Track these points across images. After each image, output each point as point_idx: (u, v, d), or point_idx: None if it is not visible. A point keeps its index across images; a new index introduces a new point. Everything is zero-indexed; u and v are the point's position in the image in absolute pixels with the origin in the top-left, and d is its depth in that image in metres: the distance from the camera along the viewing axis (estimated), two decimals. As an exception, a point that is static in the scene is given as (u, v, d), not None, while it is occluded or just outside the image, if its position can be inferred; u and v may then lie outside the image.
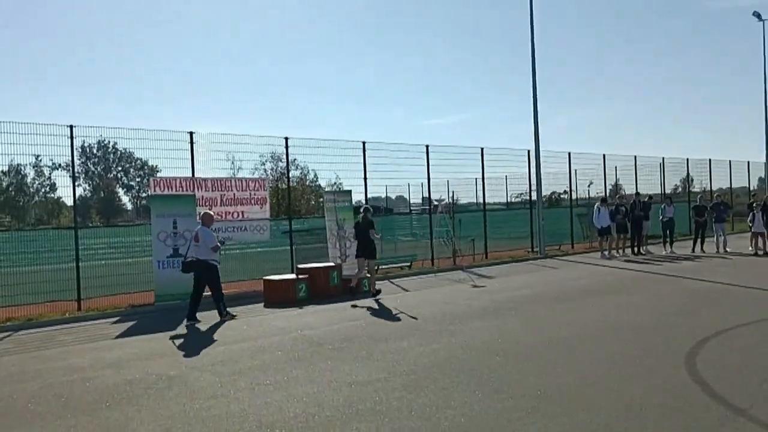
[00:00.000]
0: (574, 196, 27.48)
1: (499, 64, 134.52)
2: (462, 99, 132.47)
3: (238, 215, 14.93)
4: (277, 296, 12.88)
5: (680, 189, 33.61)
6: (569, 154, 24.92)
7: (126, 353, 8.57)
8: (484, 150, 21.43)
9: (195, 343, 9.14)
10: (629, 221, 19.71)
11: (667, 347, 7.56)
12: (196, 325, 10.62)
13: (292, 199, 21.94)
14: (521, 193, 30.76)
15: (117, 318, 11.81)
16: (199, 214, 12.58)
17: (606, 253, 19.62)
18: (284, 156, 16.91)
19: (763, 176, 38.17)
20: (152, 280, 13.15)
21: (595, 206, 19.82)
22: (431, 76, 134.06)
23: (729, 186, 32.31)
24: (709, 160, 31.55)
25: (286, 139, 16.39)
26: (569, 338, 8.28)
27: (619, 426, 5.03)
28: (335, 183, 24.46)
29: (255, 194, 15.36)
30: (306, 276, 13.33)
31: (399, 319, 10.33)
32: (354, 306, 11.98)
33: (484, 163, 21.41)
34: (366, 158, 17.95)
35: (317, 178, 31.27)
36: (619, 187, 27.22)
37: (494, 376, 6.56)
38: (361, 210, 14.29)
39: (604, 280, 14.39)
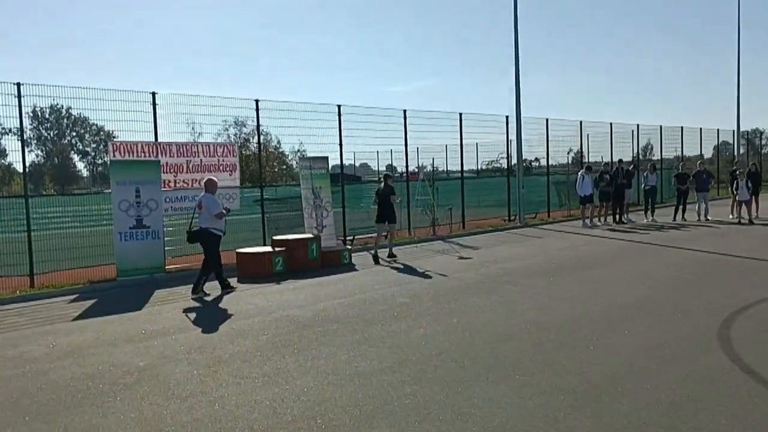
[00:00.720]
0: (550, 164, 26.93)
1: (462, 29, 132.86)
2: (424, 66, 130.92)
3: (207, 183, 13.80)
4: (252, 270, 11.92)
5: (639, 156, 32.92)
6: (547, 120, 24.21)
7: (87, 338, 7.56)
8: (462, 115, 20.59)
9: (166, 325, 8.17)
10: (612, 189, 19.18)
11: (694, 328, 6.93)
12: (169, 305, 9.62)
13: (257, 165, 20.83)
14: (492, 161, 30.17)
15: (75, 296, 10.70)
16: (202, 180, 11.51)
17: (588, 221, 19.12)
18: (249, 121, 15.89)
19: (716, 144, 37.48)
20: (113, 253, 12.03)
21: (579, 174, 19.23)
22: (393, 43, 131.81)
23: (680, 153, 31.50)
24: (681, 128, 31.34)
25: (257, 101, 15.23)
26: (583, 318, 7.59)
27: (671, 421, 4.32)
28: (299, 150, 23.41)
29: (224, 160, 14.25)
30: (283, 249, 12.37)
31: (389, 297, 9.50)
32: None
33: (463, 129, 20.59)
34: (341, 123, 16.94)
35: (280, 144, 29.96)
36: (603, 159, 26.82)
37: (514, 366, 5.80)
38: (382, 177, 14.82)
39: (596, 250, 13.81)
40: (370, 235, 17.14)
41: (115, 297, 10.48)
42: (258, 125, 15.70)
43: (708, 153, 34.89)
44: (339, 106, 16.80)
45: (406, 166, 19.34)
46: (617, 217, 19.57)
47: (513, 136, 21.84)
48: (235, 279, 11.77)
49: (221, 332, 7.63)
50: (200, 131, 19.00)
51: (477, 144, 24.15)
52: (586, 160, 24.22)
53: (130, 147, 12.76)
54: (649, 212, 19.81)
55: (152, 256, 12.12)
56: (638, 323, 7.23)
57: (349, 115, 17.21)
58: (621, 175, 19.51)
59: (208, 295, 10.18)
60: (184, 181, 13.38)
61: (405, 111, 18.69)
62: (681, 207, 19.45)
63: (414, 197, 18.82)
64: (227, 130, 29.24)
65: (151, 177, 12.26)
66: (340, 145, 16.90)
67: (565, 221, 21.56)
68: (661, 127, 30.18)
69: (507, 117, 22.29)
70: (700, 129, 32.87)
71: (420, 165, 17.65)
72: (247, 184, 18.60)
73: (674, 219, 19.52)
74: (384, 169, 31.40)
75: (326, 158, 15.76)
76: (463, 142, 21.06)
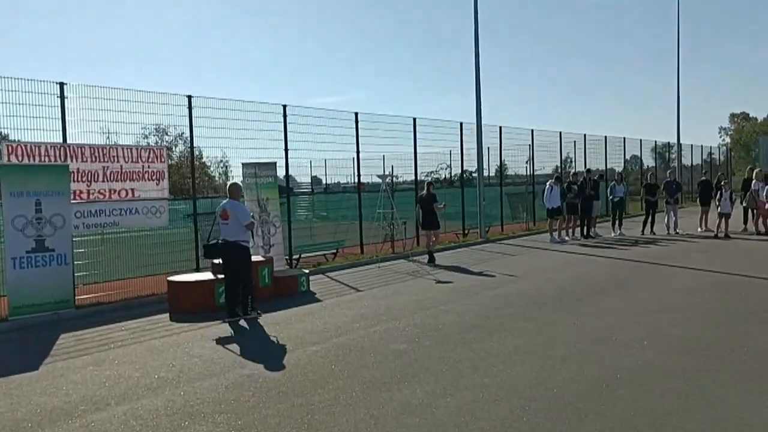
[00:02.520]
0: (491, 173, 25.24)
1: (394, 40, 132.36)
2: (356, 77, 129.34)
3: (127, 194, 11.25)
4: (189, 304, 9.50)
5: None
6: (500, 128, 22.75)
7: (-51, 427, 5.04)
8: (417, 121, 18.71)
9: (71, 398, 5.71)
10: (580, 201, 17.79)
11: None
12: (78, 360, 7.11)
13: (180, 176, 18.17)
14: (432, 171, 28.43)
15: (-53, 346, 7.97)
16: (226, 186, 10.10)
17: (556, 235, 17.63)
18: (171, 128, 13.48)
19: (637, 154, 36.38)
20: (3, 285, 9.32)
21: (547, 184, 17.73)
22: (321, 55, 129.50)
23: (605, 163, 30.18)
24: (624, 138, 30.71)
25: (189, 97, 12.78)
26: (648, 373, 5.73)
27: None
28: (222, 160, 20.78)
29: (149, 167, 11.70)
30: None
31: (377, 341, 7.37)
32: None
33: (417, 135, 18.67)
34: (287, 125, 14.70)
35: (202, 155, 26.89)
36: (568, 165, 25.47)
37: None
38: (425, 184, 15.07)
39: (589, 271, 12.16)
40: (318, 254, 14.93)
41: (3, 347, 7.83)
42: (191, 125, 13.17)
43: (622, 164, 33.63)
44: (284, 106, 14.56)
45: (358, 175, 17.26)
46: (584, 230, 18.19)
47: (469, 144, 20.27)
48: (167, 315, 9.34)
49: (156, 406, 5.28)
50: (115, 140, 16.22)
51: (415, 153, 22.21)
52: (546, 170, 22.87)
53: (30, 149, 10.06)
54: (616, 225, 18.55)
55: (57, 287, 9.49)
56: (703, 373, 5.44)
57: (295, 116, 15.01)
58: (589, 185, 18.17)
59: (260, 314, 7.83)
60: (100, 192, 10.80)
61: (356, 114, 16.67)
62: (650, 220, 18.29)
63: (373, 209, 16.82)
64: (146, 138, 26.06)
65: (58, 186, 9.65)
66: (286, 150, 14.60)
67: (527, 235, 20.06)
68: (585, 135, 28.52)
69: (461, 123, 20.64)
70: (624, 139, 31.57)
71: (384, 173, 15.58)
72: (180, 195, 15.94)
73: (643, 232, 18.36)
74: (337, 179, 29.09)
75: (273, 164, 13.47)
76: (417, 150, 19.19)
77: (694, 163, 41.56)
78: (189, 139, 13.31)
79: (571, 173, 18.81)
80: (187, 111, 12.71)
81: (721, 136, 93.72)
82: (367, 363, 6.37)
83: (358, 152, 16.84)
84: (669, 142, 37.39)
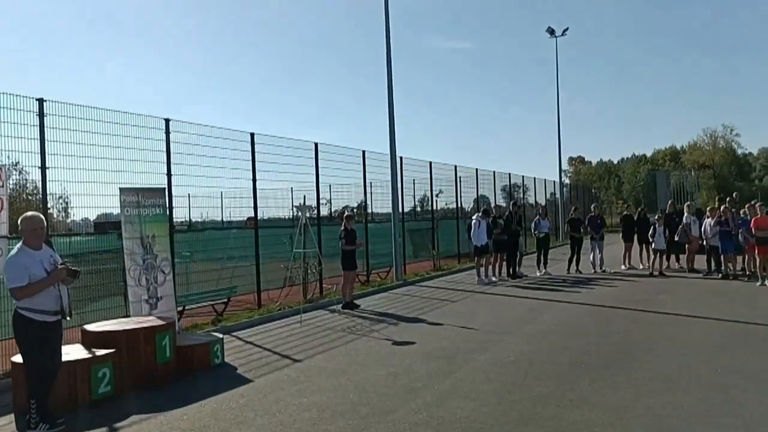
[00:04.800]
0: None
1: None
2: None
3: (-54, 230, 7.58)
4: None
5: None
6: (401, 158, 20.66)
7: None
8: (319, 146, 16.03)
9: None
10: (506, 237, 16.06)
11: None
12: None
13: (14, 210, 13.98)
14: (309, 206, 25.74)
15: None
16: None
17: (484, 277, 15.69)
18: None
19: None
20: None
21: (474, 219, 15.82)
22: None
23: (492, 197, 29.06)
24: (476, 169, 29.93)
25: (41, 101, 9.25)
26: None
27: None
28: (61, 196, 16.33)
29: (-20, 191, 8.10)
30: (110, 351, 6.66)
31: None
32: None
33: (319, 162, 15.98)
34: (170, 143, 11.45)
35: (37, 190, 21.88)
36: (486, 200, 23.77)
37: None
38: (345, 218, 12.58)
39: (566, 322, 10.12)
40: (204, 305, 11.62)
41: None
42: (42, 136, 9.50)
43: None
44: (167, 121, 11.31)
45: (255, 208, 14.22)
46: (511, 269, 16.45)
47: (377, 175, 17.99)
48: (9, 418, 5.89)
49: None
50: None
51: (292, 188, 19.37)
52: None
53: None
54: (541, 264, 17.03)
55: None
56: None
57: (180, 134, 11.77)
58: (515, 220, 16.54)
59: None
60: None
61: (252, 135, 13.70)
62: (576, 257, 16.98)
63: (269, 247, 13.92)
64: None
65: None
66: (168, 175, 11.23)
67: (440, 276, 17.99)
68: (456, 167, 27.15)
69: (363, 151, 18.26)
70: (494, 172, 30.51)
71: (305, 204, 12.67)
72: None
73: (569, 270, 16.99)
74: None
75: (162, 191, 10.22)
76: (320, 180, 16.46)
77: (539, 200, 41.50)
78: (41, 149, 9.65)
79: (493, 207, 17.09)
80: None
81: (562, 177, 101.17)
82: None
83: (254, 179, 13.78)
84: (517, 183, 35.77)
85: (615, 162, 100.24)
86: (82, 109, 9.70)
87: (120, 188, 9.44)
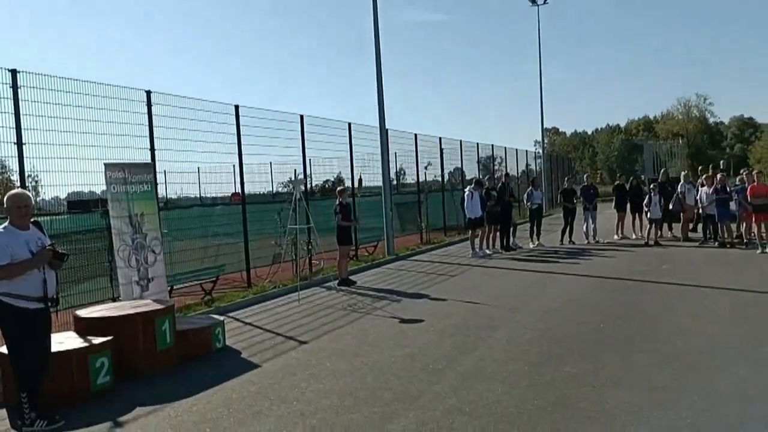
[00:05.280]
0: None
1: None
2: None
3: None
4: (48, 389, 5.58)
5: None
6: (387, 131, 20.12)
7: None
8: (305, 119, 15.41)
9: None
10: (499, 209, 15.74)
11: None
12: None
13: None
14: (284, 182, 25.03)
15: None
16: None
17: (479, 250, 15.40)
18: None
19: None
20: None
21: (467, 191, 15.46)
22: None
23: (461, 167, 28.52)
24: (460, 141, 29.43)
25: (13, 71, 8.55)
26: None
27: None
28: (31, 174, 15.17)
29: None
30: (108, 339, 6.18)
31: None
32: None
33: (305, 136, 15.34)
34: (152, 117, 10.79)
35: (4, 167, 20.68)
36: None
37: None
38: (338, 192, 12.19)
39: (572, 295, 9.87)
40: (192, 284, 11.09)
41: None
42: (17, 110, 8.80)
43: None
44: (148, 92, 10.64)
45: (242, 182, 13.67)
46: (505, 242, 16.18)
47: (363, 147, 17.46)
48: (3, 411, 5.43)
49: None
50: None
51: (271, 162, 18.64)
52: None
53: None
54: (534, 235, 16.78)
55: None
56: None
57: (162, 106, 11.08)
58: (508, 191, 16.23)
59: None
60: None
61: (237, 107, 13.05)
62: (569, 228, 16.76)
63: (255, 223, 13.40)
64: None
65: None
66: (151, 149, 10.58)
67: (431, 250, 17.69)
68: (440, 139, 26.60)
69: (350, 124, 17.67)
70: (477, 144, 29.83)
71: (297, 177, 12.18)
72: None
73: (561, 241, 16.80)
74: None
75: (150, 166, 9.66)
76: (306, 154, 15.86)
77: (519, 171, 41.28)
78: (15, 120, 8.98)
79: (486, 178, 16.72)
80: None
81: (536, 148, 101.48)
82: None
83: (240, 153, 13.15)
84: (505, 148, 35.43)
85: (589, 133, 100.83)
86: (56, 81, 9.01)
87: (105, 164, 8.83)
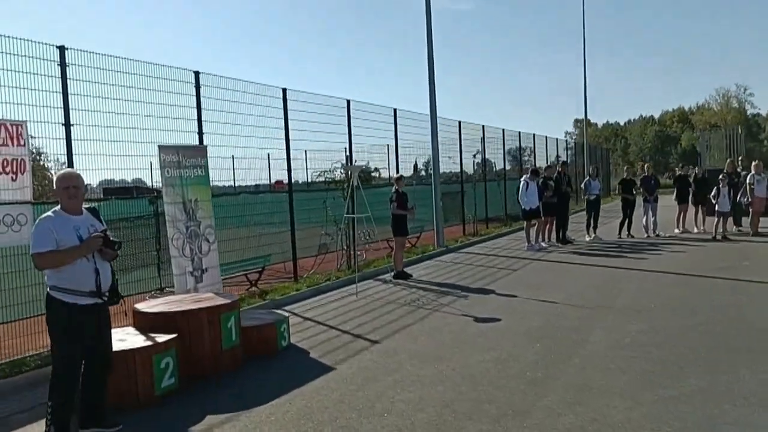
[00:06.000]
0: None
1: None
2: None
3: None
4: (111, 391, 5.02)
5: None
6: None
7: None
8: (351, 104, 14.70)
9: None
10: (556, 200, 14.94)
11: None
12: None
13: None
14: (325, 171, 24.42)
15: None
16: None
17: (534, 242, 14.63)
18: None
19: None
20: None
21: (522, 180, 14.69)
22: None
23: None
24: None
25: (62, 48, 7.99)
26: None
27: None
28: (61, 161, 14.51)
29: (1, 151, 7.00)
30: (172, 337, 5.61)
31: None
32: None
33: (351, 121, 14.66)
34: (200, 99, 10.20)
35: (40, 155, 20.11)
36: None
37: None
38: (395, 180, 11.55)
39: (656, 293, 9.12)
40: (241, 273, 10.50)
41: None
42: (65, 89, 8.25)
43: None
44: (197, 74, 10.02)
45: (289, 169, 13.04)
46: (560, 235, 15.38)
47: (407, 135, 16.71)
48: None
49: None
50: None
51: (306, 151, 17.86)
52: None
53: None
54: (591, 228, 15.94)
55: None
56: None
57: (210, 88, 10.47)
58: (565, 181, 15.41)
59: None
60: None
61: (284, 90, 12.36)
62: (627, 220, 15.87)
63: (327, 209, 12.87)
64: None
65: None
66: (200, 134, 9.96)
67: (481, 242, 16.99)
68: (483, 127, 25.57)
69: (395, 110, 16.90)
70: (519, 133, 28.94)
71: (353, 163, 11.58)
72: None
73: (620, 235, 15.93)
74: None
75: (204, 149, 9.07)
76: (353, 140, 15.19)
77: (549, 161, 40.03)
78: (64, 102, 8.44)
79: (545, 167, 15.89)
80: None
81: (566, 138, 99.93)
82: None
83: (287, 139, 12.51)
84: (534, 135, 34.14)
85: (621, 124, 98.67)
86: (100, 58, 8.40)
87: (159, 146, 8.29)
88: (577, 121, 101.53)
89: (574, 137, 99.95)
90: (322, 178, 21.50)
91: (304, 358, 6.49)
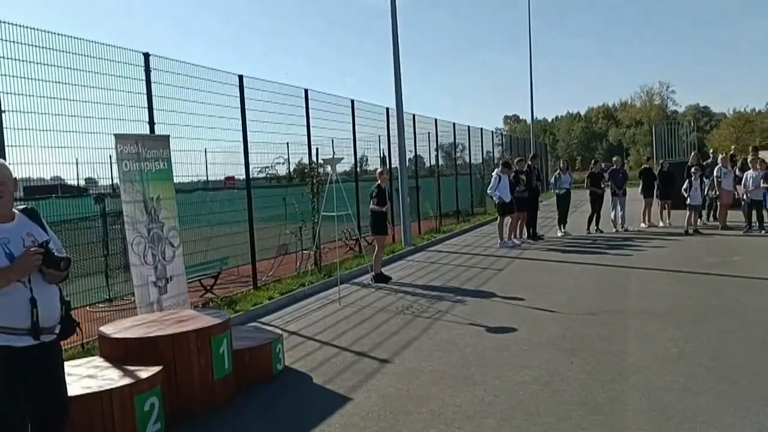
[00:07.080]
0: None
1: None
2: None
3: None
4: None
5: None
6: (387, 109, 18.39)
7: None
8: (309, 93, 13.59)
9: None
10: (527, 194, 14.36)
11: None
12: None
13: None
14: (267, 167, 23.15)
15: None
16: None
17: (507, 239, 13.99)
18: None
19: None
20: None
21: (494, 174, 14.00)
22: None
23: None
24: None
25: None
26: None
27: None
28: None
29: None
30: (157, 370, 4.46)
31: None
32: None
33: (310, 114, 13.56)
34: (151, 84, 8.88)
35: None
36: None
37: None
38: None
39: (671, 293, 8.52)
40: (195, 278, 9.31)
41: None
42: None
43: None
44: (146, 55, 8.67)
45: (246, 165, 11.84)
46: (531, 231, 14.82)
47: (365, 128, 15.74)
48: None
49: None
50: None
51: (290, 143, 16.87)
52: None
53: None
54: (561, 224, 15.46)
55: None
56: None
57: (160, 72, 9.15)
58: (535, 175, 14.85)
59: None
60: None
61: (241, 77, 11.16)
62: (596, 215, 15.49)
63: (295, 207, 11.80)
64: None
65: None
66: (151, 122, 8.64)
67: (446, 239, 16.27)
68: (454, 124, 24.95)
69: (353, 101, 15.86)
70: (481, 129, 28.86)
71: (334, 156, 10.48)
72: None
73: (588, 230, 15.53)
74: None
75: (166, 139, 7.82)
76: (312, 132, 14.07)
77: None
78: None
79: (516, 160, 15.26)
80: None
81: (497, 135, 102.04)
82: None
83: (245, 130, 11.29)
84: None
85: (549, 120, 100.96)
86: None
87: (116, 135, 6.99)
88: (506, 117, 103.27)
89: (503, 132, 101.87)
90: (263, 174, 20.11)
91: (308, 385, 5.46)
